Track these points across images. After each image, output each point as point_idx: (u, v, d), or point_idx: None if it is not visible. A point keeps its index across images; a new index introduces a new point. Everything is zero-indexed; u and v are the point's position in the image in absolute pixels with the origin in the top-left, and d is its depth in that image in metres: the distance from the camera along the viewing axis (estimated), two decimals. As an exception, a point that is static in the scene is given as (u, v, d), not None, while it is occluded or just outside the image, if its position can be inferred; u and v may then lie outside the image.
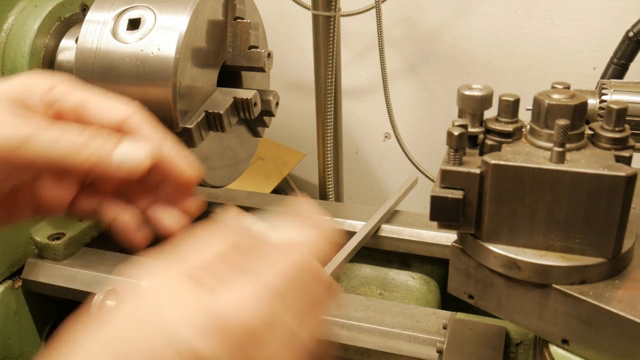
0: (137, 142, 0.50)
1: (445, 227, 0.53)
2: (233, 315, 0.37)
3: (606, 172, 0.47)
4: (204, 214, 0.53)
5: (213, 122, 0.76)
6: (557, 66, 1.66)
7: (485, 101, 0.53)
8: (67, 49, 0.87)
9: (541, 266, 0.50)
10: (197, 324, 0.36)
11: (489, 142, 0.53)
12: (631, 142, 0.52)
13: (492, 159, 0.50)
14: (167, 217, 0.54)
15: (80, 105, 0.51)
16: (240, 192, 1.08)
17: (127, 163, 0.49)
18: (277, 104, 0.86)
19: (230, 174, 0.90)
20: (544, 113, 0.51)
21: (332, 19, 1.42)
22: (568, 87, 0.53)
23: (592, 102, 0.71)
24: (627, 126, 0.52)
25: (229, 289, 0.39)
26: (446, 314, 0.77)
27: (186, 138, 0.74)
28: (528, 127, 0.53)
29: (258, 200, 1.06)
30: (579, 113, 0.51)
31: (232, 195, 1.07)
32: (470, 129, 0.53)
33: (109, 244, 0.97)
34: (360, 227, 0.92)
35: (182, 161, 0.52)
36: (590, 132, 0.52)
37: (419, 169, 1.74)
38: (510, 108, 0.53)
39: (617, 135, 0.51)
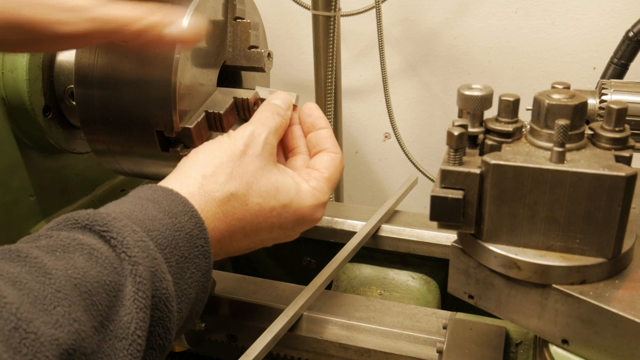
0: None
1: (445, 227, 0.53)
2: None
3: (606, 172, 0.47)
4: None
5: (213, 122, 0.76)
6: (557, 66, 1.67)
7: (485, 101, 0.53)
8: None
9: (541, 266, 0.50)
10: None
11: (489, 142, 0.53)
12: (631, 142, 0.52)
13: (492, 159, 0.50)
14: None
15: None
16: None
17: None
18: (277, 104, 0.85)
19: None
20: (544, 113, 0.51)
21: (332, 19, 1.43)
22: (568, 87, 0.53)
23: (592, 102, 0.71)
24: (627, 126, 0.52)
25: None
26: (446, 314, 0.77)
27: (186, 138, 0.74)
28: (528, 127, 0.53)
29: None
30: (579, 113, 0.51)
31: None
32: (470, 129, 0.53)
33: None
34: (360, 227, 0.92)
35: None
36: (590, 132, 0.52)
37: (419, 169, 1.74)
38: (510, 108, 0.53)
39: (617, 135, 0.51)
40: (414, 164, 1.73)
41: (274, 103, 0.72)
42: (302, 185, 0.68)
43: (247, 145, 0.65)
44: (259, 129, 0.67)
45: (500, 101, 0.53)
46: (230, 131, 0.68)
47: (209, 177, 0.62)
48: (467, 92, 0.53)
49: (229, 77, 0.85)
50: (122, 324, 0.48)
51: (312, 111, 0.74)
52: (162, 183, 0.62)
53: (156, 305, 0.51)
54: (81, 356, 0.44)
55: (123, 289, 0.49)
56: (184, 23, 0.70)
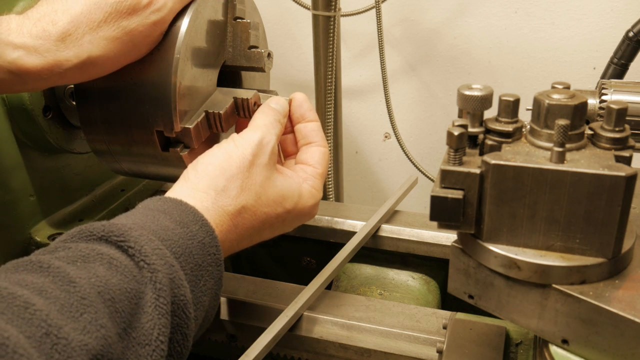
0: None
1: (445, 227, 0.53)
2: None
3: (606, 172, 0.47)
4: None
5: (213, 122, 0.76)
6: (557, 66, 1.67)
7: (485, 101, 0.53)
8: (67, 49, 0.87)
9: (541, 266, 0.50)
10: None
11: (489, 142, 0.53)
12: (631, 142, 0.52)
13: (492, 159, 0.50)
14: None
15: None
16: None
17: None
18: (277, 104, 0.86)
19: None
20: (544, 113, 0.51)
21: (332, 19, 1.43)
22: (568, 87, 0.53)
23: (592, 102, 0.71)
24: (627, 126, 0.52)
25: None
26: (446, 314, 0.77)
27: (186, 138, 0.74)
28: (528, 127, 0.53)
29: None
30: (579, 113, 0.51)
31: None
32: (470, 129, 0.53)
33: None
34: (360, 227, 0.92)
35: None
36: (590, 132, 0.52)
37: (419, 169, 1.74)
38: (510, 108, 0.53)
39: (617, 135, 0.51)
40: (414, 164, 1.73)
41: (275, 109, 0.72)
42: (302, 186, 0.70)
43: (255, 155, 0.65)
44: (267, 137, 0.67)
45: (500, 101, 0.53)
46: (235, 136, 0.68)
47: (221, 191, 0.63)
48: (467, 92, 0.53)
49: (229, 77, 0.85)
50: (145, 331, 0.48)
51: (302, 103, 0.76)
52: (171, 194, 0.62)
53: (175, 312, 0.51)
54: None
55: (144, 297, 0.49)
56: None
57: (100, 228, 0.52)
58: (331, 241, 0.98)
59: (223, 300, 0.82)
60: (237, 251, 0.67)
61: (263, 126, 0.69)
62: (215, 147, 0.67)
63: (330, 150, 1.48)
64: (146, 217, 0.56)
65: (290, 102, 0.76)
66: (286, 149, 0.78)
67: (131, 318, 0.48)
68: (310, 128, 0.75)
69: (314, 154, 0.73)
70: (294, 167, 0.72)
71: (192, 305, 0.54)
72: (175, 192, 0.63)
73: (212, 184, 0.63)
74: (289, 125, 0.76)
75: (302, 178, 0.71)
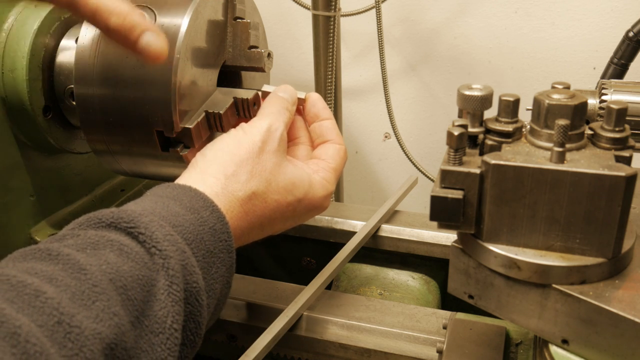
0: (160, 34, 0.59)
1: (445, 227, 0.53)
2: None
3: (606, 172, 0.47)
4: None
5: (213, 122, 0.76)
6: (557, 66, 1.67)
7: (485, 101, 0.53)
8: (67, 49, 0.87)
9: (541, 266, 0.50)
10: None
11: (489, 142, 0.53)
12: (631, 142, 0.52)
13: (492, 159, 0.50)
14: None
15: None
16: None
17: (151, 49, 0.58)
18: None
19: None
20: (544, 113, 0.51)
21: (332, 19, 1.43)
22: (568, 87, 0.53)
23: (592, 102, 0.71)
24: (627, 126, 0.52)
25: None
26: (446, 314, 0.77)
27: (186, 138, 0.74)
28: (528, 127, 0.53)
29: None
30: (579, 113, 0.51)
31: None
32: (470, 129, 0.53)
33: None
34: (360, 227, 0.92)
35: None
36: (590, 132, 0.52)
37: (419, 169, 1.74)
38: (510, 108, 0.53)
39: (617, 135, 0.51)
40: (414, 164, 1.73)
41: (282, 97, 0.72)
42: (313, 177, 0.69)
43: (264, 142, 0.65)
44: (275, 124, 0.67)
45: (500, 101, 0.53)
46: (243, 124, 0.67)
47: (230, 176, 0.62)
48: (467, 92, 0.53)
49: (229, 77, 0.85)
50: (158, 319, 0.47)
51: (316, 102, 0.75)
52: (180, 181, 0.62)
53: (187, 299, 0.50)
54: (122, 351, 0.43)
55: (156, 284, 0.48)
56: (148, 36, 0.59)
57: (109, 215, 0.51)
58: (331, 241, 0.98)
59: (223, 300, 0.82)
60: (248, 242, 0.66)
61: (270, 114, 0.68)
62: (224, 135, 0.66)
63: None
64: (155, 204, 0.55)
65: (305, 101, 0.76)
66: (289, 133, 0.75)
67: (144, 306, 0.47)
68: (325, 126, 0.74)
69: (328, 149, 0.73)
70: (308, 162, 0.72)
71: (205, 293, 0.53)
72: (184, 178, 0.62)
73: (222, 169, 0.62)
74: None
75: (313, 170, 0.70)
